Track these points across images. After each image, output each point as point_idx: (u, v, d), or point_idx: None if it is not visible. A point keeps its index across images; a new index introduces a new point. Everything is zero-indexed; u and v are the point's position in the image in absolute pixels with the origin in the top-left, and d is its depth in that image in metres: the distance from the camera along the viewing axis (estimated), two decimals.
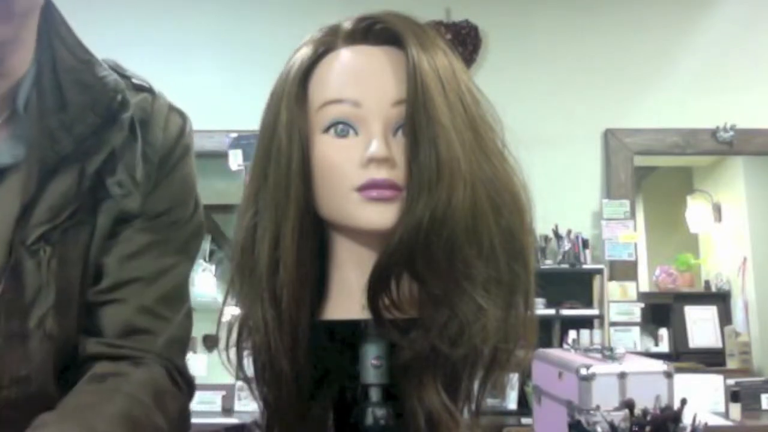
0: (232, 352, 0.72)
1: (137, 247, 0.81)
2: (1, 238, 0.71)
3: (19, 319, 0.71)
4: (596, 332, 3.64)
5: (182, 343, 0.85)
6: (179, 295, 0.85)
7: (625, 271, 3.72)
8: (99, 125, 0.76)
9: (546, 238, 3.65)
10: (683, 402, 1.79)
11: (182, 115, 0.88)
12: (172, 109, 0.87)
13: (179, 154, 0.85)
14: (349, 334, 0.68)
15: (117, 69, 0.83)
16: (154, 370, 0.79)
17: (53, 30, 0.77)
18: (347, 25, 0.70)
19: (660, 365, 2.22)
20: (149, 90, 0.85)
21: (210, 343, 3.39)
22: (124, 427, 0.69)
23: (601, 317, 3.67)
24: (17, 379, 0.72)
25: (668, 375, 2.16)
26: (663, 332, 4.03)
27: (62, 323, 0.74)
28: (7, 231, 0.71)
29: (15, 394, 0.72)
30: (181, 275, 0.85)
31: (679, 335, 4.06)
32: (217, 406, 3.35)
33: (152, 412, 0.75)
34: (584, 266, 3.68)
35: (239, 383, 2.81)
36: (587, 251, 3.70)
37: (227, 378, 2.33)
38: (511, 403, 3.33)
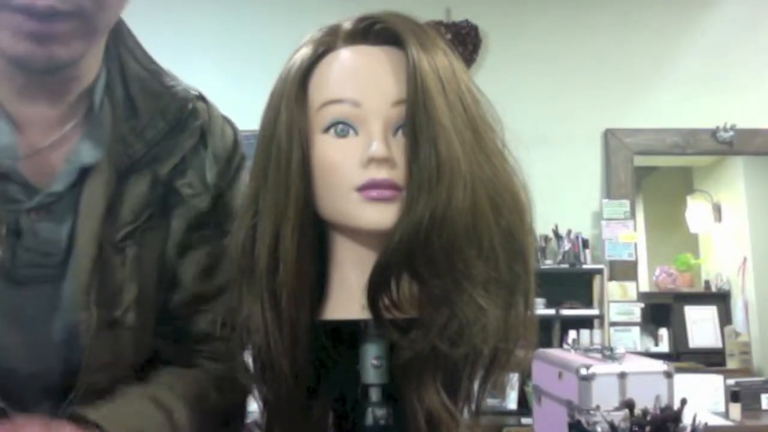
0: None
1: (213, 259, 0.83)
2: (91, 234, 0.74)
3: (108, 309, 0.75)
4: (596, 332, 3.64)
5: None
6: None
7: (625, 271, 3.73)
8: (168, 131, 0.80)
9: (546, 238, 3.65)
10: (683, 402, 1.79)
11: (232, 124, 0.91)
12: (224, 117, 0.90)
13: (238, 163, 0.88)
14: (349, 334, 0.68)
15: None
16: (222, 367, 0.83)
17: (121, 41, 0.81)
18: (347, 25, 0.70)
19: (660, 365, 2.22)
20: (203, 99, 0.88)
21: None
22: (188, 400, 0.76)
23: (601, 317, 3.67)
24: (104, 365, 0.76)
25: (668, 375, 2.16)
26: (663, 332, 4.03)
27: (141, 317, 0.78)
28: (96, 228, 0.75)
29: (100, 379, 0.75)
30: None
31: (679, 335, 4.06)
32: None
33: (212, 394, 0.81)
34: (584, 266, 3.68)
35: None
36: (587, 251, 3.70)
37: None
38: (511, 403, 3.33)
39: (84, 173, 0.76)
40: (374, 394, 0.67)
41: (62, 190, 0.75)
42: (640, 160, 3.91)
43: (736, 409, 3.19)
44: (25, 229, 0.74)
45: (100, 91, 0.79)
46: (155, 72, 0.83)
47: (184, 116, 0.81)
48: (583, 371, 2.15)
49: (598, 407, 1.91)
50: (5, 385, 0.73)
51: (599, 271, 3.70)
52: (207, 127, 0.85)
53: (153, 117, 0.79)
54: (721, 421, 3.13)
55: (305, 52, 0.70)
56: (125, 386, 0.77)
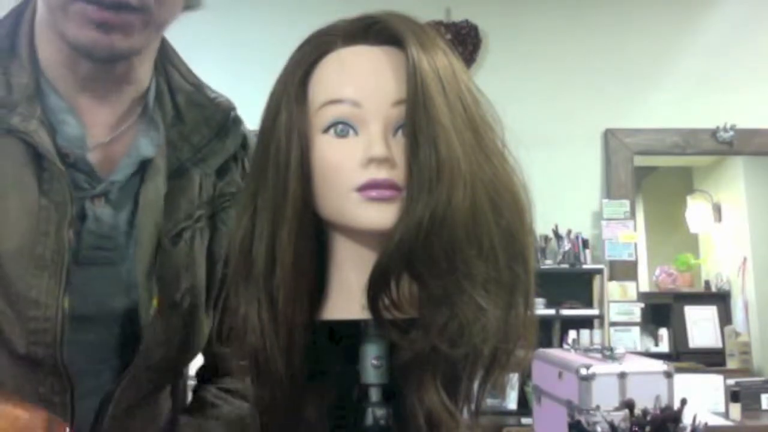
0: None
1: None
2: (152, 223, 0.83)
3: (168, 292, 0.83)
4: (596, 332, 3.64)
5: None
6: None
7: (625, 271, 3.73)
8: (212, 137, 0.89)
9: (546, 238, 3.65)
10: (683, 402, 1.79)
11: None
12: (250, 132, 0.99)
13: None
14: (349, 334, 0.68)
15: None
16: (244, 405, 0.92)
17: (167, 58, 0.91)
18: (347, 25, 0.70)
19: (660, 365, 2.22)
20: (234, 109, 0.96)
21: None
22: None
23: (601, 317, 3.67)
24: (160, 342, 0.84)
25: (668, 375, 2.17)
26: (663, 332, 4.03)
27: (192, 306, 0.86)
28: (156, 218, 0.83)
29: (155, 355, 0.84)
30: None
31: (679, 335, 4.06)
32: None
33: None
34: (584, 266, 3.68)
35: None
36: (587, 251, 3.70)
37: None
38: (511, 403, 3.34)
39: (142, 167, 0.84)
40: (374, 394, 0.67)
41: (122, 179, 0.83)
42: (640, 160, 3.91)
43: (736, 409, 3.19)
44: (89, 215, 0.81)
45: (152, 97, 0.88)
46: (198, 85, 0.92)
47: (228, 123, 0.91)
48: (583, 371, 2.15)
49: (598, 407, 1.91)
50: (74, 353, 0.79)
51: (599, 271, 3.70)
52: (246, 141, 0.94)
53: (198, 124, 0.89)
54: (721, 421, 3.13)
55: (305, 52, 0.70)
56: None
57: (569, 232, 3.67)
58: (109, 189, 0.83)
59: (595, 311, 3.67)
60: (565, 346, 2.96)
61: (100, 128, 0.84)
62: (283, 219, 0.67)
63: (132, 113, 0.86)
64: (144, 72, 0.86)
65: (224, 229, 0.89)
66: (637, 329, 3.69)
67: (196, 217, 0.86)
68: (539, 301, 3.01)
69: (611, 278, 3.70)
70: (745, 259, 4.22)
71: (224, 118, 0.91)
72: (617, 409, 1.88)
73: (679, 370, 2.68)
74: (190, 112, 0.89)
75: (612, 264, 3.72)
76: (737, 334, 4.07)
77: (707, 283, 4.43)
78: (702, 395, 3.20)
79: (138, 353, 0.82)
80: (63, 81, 0.82)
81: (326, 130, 0.67)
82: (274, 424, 0.71)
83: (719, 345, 4.07)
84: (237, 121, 0.92)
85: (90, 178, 0.82)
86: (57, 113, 0.81)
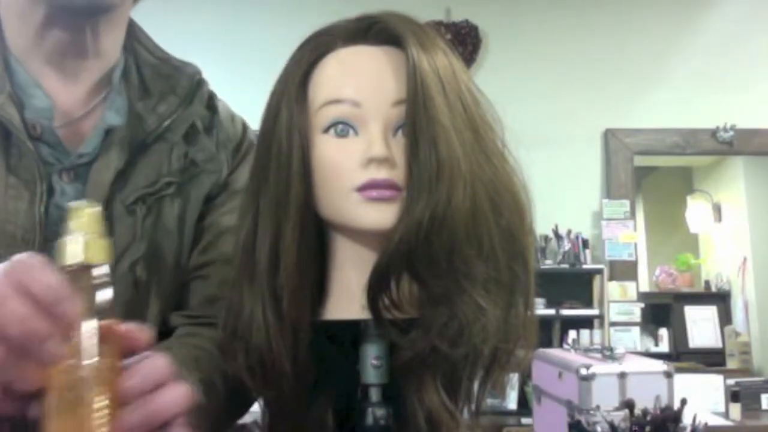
0: None
1: (222, 228, 0.90)
2: (99, 193, 0.81)
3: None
4: (596, 332, 3.64)
5: None
6: None
7: (625, 271, 3.73)
8: (179, 104, 0.89)
9: (546, 238, 3.65)
10: (683, 402, 1.79)
11: (242, 118, 0.99)
12: (232, 110, 0.98)
13: (247, 147, 0.95)
14: (349, 334, 0.68)
15: None
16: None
17: (134, 37, 0.91)
18: (347, 25, 0.70)
19: (660, 365, 2.22)
20: (214, 94, 0.95)
21: None
22: (189, 365, 0.77)
23: (601, 317, 3.67)
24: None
25: (668, 375, 2.17)
26: (663, 332, 4.03)
27: (153, 274, 0.84)
28: (105, 188, 0.82)
29: None
30: None
31: (679, 335, 4.06)
32: None
33: (216, 359, 0.83)
34: (584, 266, 3.68)
35: None
36: (587, 251, 3.70)
37: None
38: (511, 403, 3.34)
39: (107, 138, 0.84)
40: (374, 394, 0.67)
41: (90, 151, 0.82)
42: (640, 160, 3.91)
43: (736, 409, 3.19)
44: (57, 189, 0.81)
45: (119, 72, 0.87)
46: (164, 59, 0.92)
47: (193, 88, 0.90)
48: (583, 371, 2.15)
49: (598, 407, 1.91)
50: None
51: (599, 271, 3.70)
52: (216, 112, 0.93)
53: (164, 94, 0.88)
54: (721, 421, 3.13)
55: (305, 52, 0.70)
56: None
57: (569, 232, 3.67)
58: (77, 163, 0.82)
59: (595, 311, 3.67)
60: (565, 346, 2.96)
61: (70, 104, 0.84)
62: (286, 218, 0.67)
63: (101, 88, 0.86)
64: (111, 45, 0.86)
65: (195, 197, 0.89)
66: (637, 329, 3.69)
67: (161, 184, 0.85)
68: (539, 301, 3.01)
69: (611, 278, 3.70)
70: (745, 259, 4.22)
71: (189, 81, 0.90)
72: (617, 409, 1.88)
73: (679, 370, 2.69)
74: (157, 84, 0.89)
75: (612, 264, 3.72)
76: (737, 334, 4.07)
77: (707, 283, 4.43)
78: (702, 395, 3.20)
79: None
80: (30, 57, 0.83)
81: (326, 130, 0.67)
82: (280, 423, 0.71)
83: (719, 345, 4.07)
84: (201, 84, 0.92)
85: (57, 152, 0.81)
86: (25, 88, 0.82)
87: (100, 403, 0.53)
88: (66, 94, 0.84)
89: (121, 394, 0.55)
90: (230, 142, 0.94)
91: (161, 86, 0.89)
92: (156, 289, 0.86)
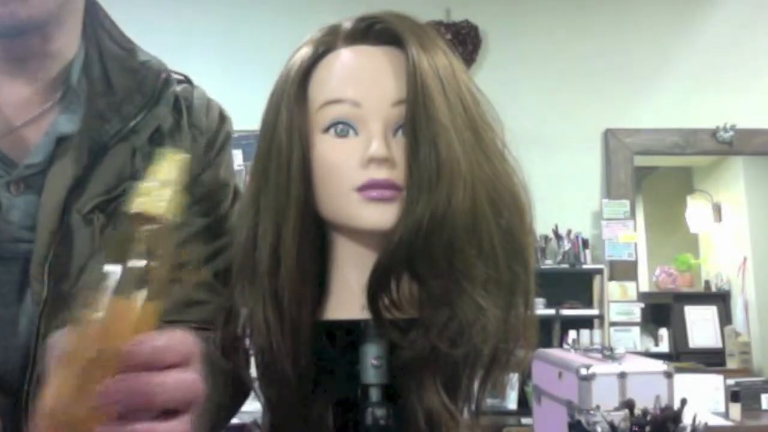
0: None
1: (194, 230, 0.84)
2: (54, 204, 0.74)
3: (68, 282, 0.74)
4: (596, 332, 3.64)
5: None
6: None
7: (625, 271, 3.73)
8: (145, 104, 0.81)
9: (546, 238, 3.65)
10: (683, 402, 1.79)
11: (219, 105, 0.92)
12: (210, 99, 0.91)
13: (223, 140, 0.89)
14: (349, 334, 0.68)
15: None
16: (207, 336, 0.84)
17: (97, 22, 0.83)
18: (347, 25, 0.70)
19: (660, 365, 2.23)
20: (188, 80, 0.90)
21: None
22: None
23: (601, 317, 3.67)
24: None
25: (668, 375, 2.17)
26: (663, 332, 4.03)
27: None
28: (59, 199, 0.74)
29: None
30: (232, 255, 0.87)
31: (679, 335, 4.06)
32: None
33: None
34: (584, 266, 3.68)
35: None
36: (587, 251, 3.70)
37: None
38: (511, 403, 3.33)
39: (59, 143, 0.76)
40: (374, 394, 0.67)
41: (40, 161, 0.75)
42: (640, 160, 3.91)
43: (736, 409, 3.19)
44: (5, 204, 0.74)
45: (78, 68, 0.80)
46: (131, 50, 0.84)
47: (159, 86, 0.82)
48: (583, 371, 2.16)
49: (598, 407, 1.91)
50: None
51: (599, 271, 3.70)
52: (189, 105, 0.86)
53: (130, 91, 0.80)
54: (721, 421, 3.13)
55: (305, 52, 0.70)
56: None
57: (569, 232, 3.67)
58: (27, 173, 0.75)
59: (595, 311, 3.67)
60: (565, 346, 2.97)
61: (15, 108, 0.77)
62: (286, 218, 0.67)
63: (55, 89, 0.79)
64: (66, 43, 0.79)
65: None
66: (637, 329, 3.69)
67: (121, 189, 0.77)
68: (539, 301, 3.00)
69: (611, 278, 3.70)
70: (745, 259, 4.22)
71: (155, 80, 0.82)
72: (617, 409, 1.88)
73: (679, 370, 2.69)
74: (122, 80, 0.81)
75: (612, 264, 3.72)
76: (737, 334, 4.06)
77: (707, 283, 4.43)
78: (702, 395, 3.20)
79: (35, 350, 0.72)
80: None
81: (326, 130, 0.67)
82: (281, 423, 0.71)
83: (719, 345, 4.07)
84: (168, 83, 0.84)
85: (3, 164, 0.74)
86: None
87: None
88: (11, 97, 0.76)
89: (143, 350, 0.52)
90: (203, 136, 0.87)
91: (127, 82, 0.81)
92: None
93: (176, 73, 0.88)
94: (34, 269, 0.73)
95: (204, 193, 0.85)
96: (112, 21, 0.85)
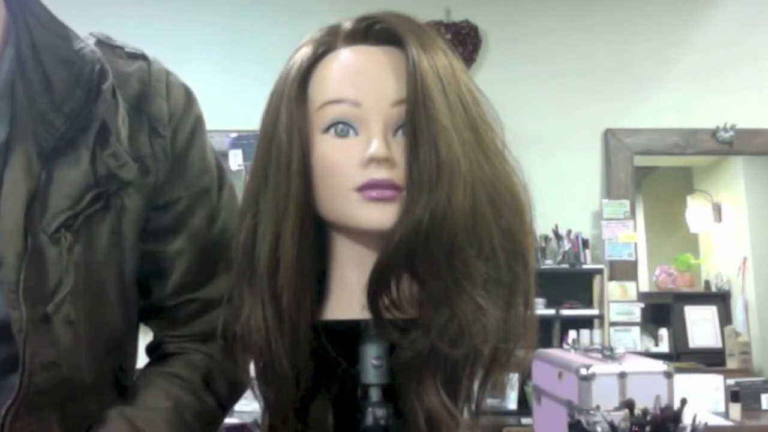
0: None
1: (194, 242, 0.82)
2: (13, 225, 0.69)
3: (43, 305, 0.70)
4: (596, 332, 3.64)
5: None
6: None
7: (625, 271, 3.73)
8: (85, 99, 0.73)
9: (546, 238, 3.65)
10: (683, 402, 1.79)
11: (183, 83, 0.85)
12: (170, 74, 0.83)
13: (192, 127, 0.83)
14: (349, 334, 0.68)
15: (107, 41, 0.81)
16: (212, 347, 0.83)
17: (26, 8, 0.74)
18: (347, 25, 0.70)
19: (660, 365, 2.23)
20: (143, 57, 0.82)
21: None
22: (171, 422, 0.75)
23: (601, 317, 3.67)
24: (46, 365, 0.70)
25: (668, 375, 2.17)
26: (663, 332, 4.02)
27: (84, 309, 0.73)
28: (19, 216, 0.69)
29: (45, 379, 0.70)
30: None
31: (679, 335, 4.06)
32: None
33: (202, 394, 0.81)
34: (584, 266, 3.68)
35: None
36: (587, 251, 3.70)
37: None
38: (511, 403, 3.34)
39: (1, 158, 0.70)
40: (374, 394, 0.67)
41: None
42: (640, 160, 3.91)
43: (736, 409, 3.20)
44: None
45: (7, 65, 0.72)
46: (66, 37, 0.74)
47: (96, 78, 0.74)
48: (583, 371, 2.16)
49: (598, 407, 1.91)
50: None
51: (599, 271, 3.70)
52: (145, 90, 0.79)
53: (69, 86, 0.72)
54: (721, 421, 3.13)
55: (305, 52, 0.70)
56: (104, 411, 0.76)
57: (569, 232, 3.67)
58: None
59: (595, 311, 3.67)
60: (565, 346, 2.97)
61: None
62: (286, 219, 0.67)
63: None
64: None
65: (129, 206, 0.76)
66: (637, 329, 3.69)
67: (87, 200, 0.72)
68: (539, 301, 3.01)
69: (611, 278, 3.70)
70: (745, 259, 4.22)
71: (89, 72, 0.73)
72: (617, 409, 1.88)
73: (679, 370, 2.69)
74: (59, 73, 0.72)
75: (612, 264, 3.72)
76: (737, 334, 4.06)
77: (707, 283, 4.42)
78: (702, 395, 3.20)
79: (20, 380, 0.69)
80: None
81: (326, 130, 0.67)
82: (279, 424, 0.71)
83: (719, 345, 4.07)
84: (102, 76, 0.74)
85: None
86: None
87: None
88: None
89: None
90: (166, 128, 0.80)
91: (64, 76, 0.72)
92: (94, 327, 0.74)
93: (130, 48, 0.81)
94: (7, 297, 0.68)
95: (186, 187, 0.82)
96: (42, 5, 0.75)
